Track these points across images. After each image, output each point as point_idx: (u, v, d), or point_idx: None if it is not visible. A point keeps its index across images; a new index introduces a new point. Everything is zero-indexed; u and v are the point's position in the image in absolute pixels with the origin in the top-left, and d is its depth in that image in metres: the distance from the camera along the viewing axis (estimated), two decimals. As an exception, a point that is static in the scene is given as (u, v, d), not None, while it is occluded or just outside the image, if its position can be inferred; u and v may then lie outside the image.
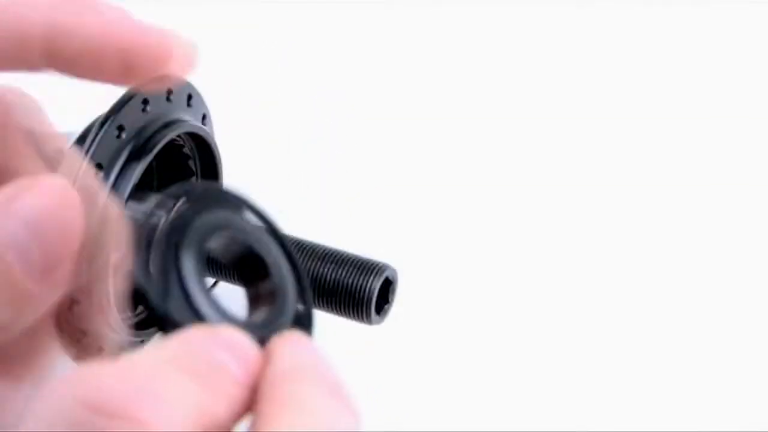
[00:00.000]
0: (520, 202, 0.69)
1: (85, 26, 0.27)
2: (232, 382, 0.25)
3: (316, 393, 0.25)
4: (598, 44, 0.83)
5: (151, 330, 0.53)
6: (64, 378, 0.23)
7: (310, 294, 0.31)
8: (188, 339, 0.25)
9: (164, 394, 0.23)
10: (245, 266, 0.30)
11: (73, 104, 0.69)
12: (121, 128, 0.47)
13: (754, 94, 0.78)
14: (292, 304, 0.30)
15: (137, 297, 0.53)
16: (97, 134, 0.46)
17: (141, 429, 0.22)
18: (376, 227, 0.64)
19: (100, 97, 0.49)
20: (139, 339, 0.53)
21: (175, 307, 0.27)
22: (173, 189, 0.29)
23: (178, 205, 0.29)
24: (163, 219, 0.29)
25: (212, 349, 0.25)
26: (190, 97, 0.52)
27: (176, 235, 0.28)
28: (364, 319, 0.51)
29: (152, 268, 0.27)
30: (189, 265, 0.28)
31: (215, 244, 0.29)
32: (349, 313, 0.49)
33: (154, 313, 0.27)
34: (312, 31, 0.84)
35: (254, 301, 0.30)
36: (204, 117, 0.54)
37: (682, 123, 0.76)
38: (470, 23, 0.85)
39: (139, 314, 0.54)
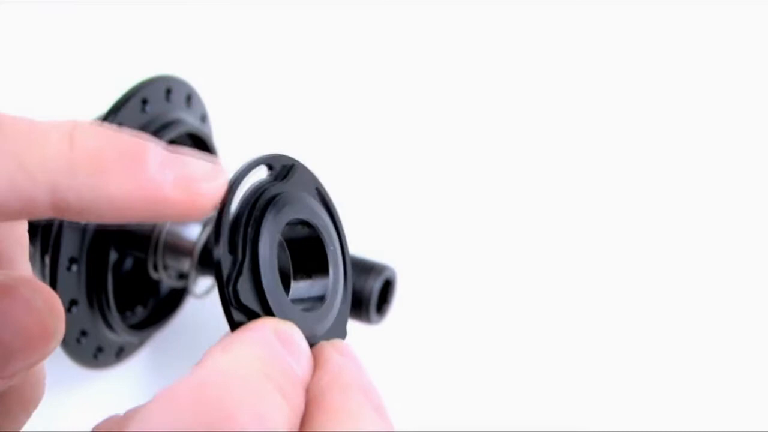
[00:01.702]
0: (520, 202, 0.69)
1: (98, 195, 0.26)
2: (302, 389, 0.26)
3: (364, 407, 0.26)
4: (598, 44, 0.83)
5: (150, 330, 0.53)
6: (183, 397, 0.23)
7: (350, 295, 0.31)
8: (267, 342, 0.26)
9: (272, 420, 0.24)
10: (306, 252, 0.30)
11: (73, 104, 0.69)
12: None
13: (754, 94, 0.78)
14: (338, 304, 0.30)
15: (136, 298, 0.53)
16: (96, 134, 0.45)
17: None
18: (376, 227, 0.64)
19: (99, 97, 0.49)
20: (138, 339, 0.53)
21: (243, 286, 0.27)
22: (260, 158, 0.29)
23: (264, 179, 0.29)
24: (247, 193, 0.28)
25: (285, 354, 0.26)
26: (189, 97, 0.52)
27: (258, 212, 0.28)
28: (364, 319, 0.51)
29: (228, 241, 0.27)
30: (266, 246, 0.28)
31: (289, 224, 0.29)
32: (350, 314, 0.49)
33: (220, 285, 0.27)
34: (312, 31, 0.84)
35: (303, 287, 0.30)
36: (203, 117, 0.54)
37: (682, 123, 0.76)
38: (470, 23, 0.85)
39: (138, 314, 0.54)
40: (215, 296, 0.55)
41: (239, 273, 0.27)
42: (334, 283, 0.30)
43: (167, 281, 0.53)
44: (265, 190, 0.28)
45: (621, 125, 0.76)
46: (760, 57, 0.81)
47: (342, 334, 0.30)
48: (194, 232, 0.50)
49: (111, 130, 0.26)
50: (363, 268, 0.50)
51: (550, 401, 0.54)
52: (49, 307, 0.30)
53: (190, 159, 0.27)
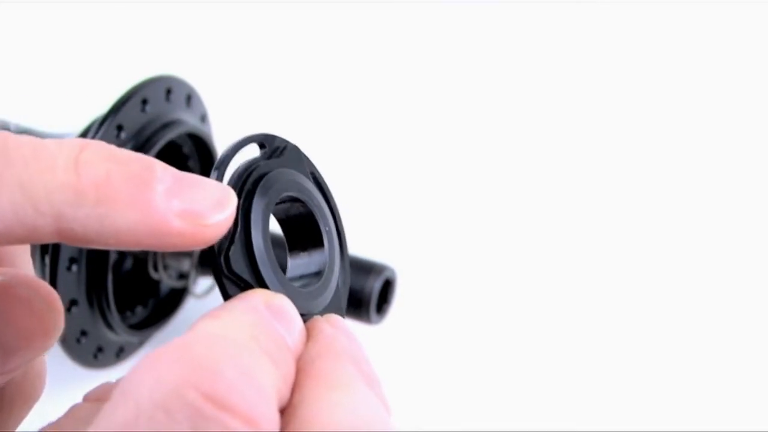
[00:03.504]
0: (519, 202, 0.69)
1: (103, 226, 0.25)
2: (292, 358, 0.26)
3: (354, 378, 0.26)
4: (598, 44, 0.83)
5: (150, 330, 0.53)
6: (165, 358, 0.23)
7: (349, 275, 0.31)
8: (256, 310, 0.26)
9: (260, 379, 0.24)
10: (300, 228, 0.30)
11: (73, 104, 0.69)
12: (120, 128, 0.46)
13: (754, 94, 0.78)
14: (335, 281, 0.30)
15: (136, 298, 0.53)
16: (96, 134, 0.45)
17: (253, 429, 0.23)
18: (376, 227, 0.64)
19: (99, 97, 0.49)
20: (138, 339, 0.53)
21: (235, 255, 0.27)
22: (253, 135, 0.29)
23: (256, 156, 0.29)
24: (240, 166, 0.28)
25: (275, 323, 0.26)
26: (189, 97, 0.52)
27: (251, 185, 0.28)
28: (364, 319, 0.51)
29: None
30: (257, 216, 0.28)
31: (281, 201, 0.30)
32: (349, 313, 0.49)
33: (212, 257, 0.27)
34: (312, 32, 0.84)
35: (299, 266, 0.30)
36: (203, 117, 0.54)
37: (682, 123, 0.76)
38: (469, 23, 0.85)
39: (138, 314, 0.54)
40: (215, 296, 0.55)
41: (231, 242, 0.27)
42: (330, 259, 0.30)
43: (167, 281, 0.53)
44: (256, 166, 0.29)
45: (621, 126, 0.76)
46: (760, 57, 0.81)
47: (340, 313, 0.30)
48: (194, 232, 0.50)
49: (118, 154, 0.25)
50: (363, 268, 0.50)
51: (551, 401, 0.54)
52: (48, 304, 0.30)
53: (199, 187, 0.26)
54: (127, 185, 0.25)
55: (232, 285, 0.27)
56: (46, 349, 0.30)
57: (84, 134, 0.46)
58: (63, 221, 0.25)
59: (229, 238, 0.27)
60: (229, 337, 0.24)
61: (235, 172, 0.28)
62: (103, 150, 0.25)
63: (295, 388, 0.25)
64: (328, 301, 0.30)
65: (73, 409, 0.27)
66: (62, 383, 0.45)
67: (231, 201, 0.26)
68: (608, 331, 0.59)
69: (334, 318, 0.28)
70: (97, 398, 0.26)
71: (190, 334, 0.24)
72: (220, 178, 0.28)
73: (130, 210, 0.25)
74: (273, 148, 0.30)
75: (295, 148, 0.30)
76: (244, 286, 0.27)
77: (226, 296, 0.27)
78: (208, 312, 0.26)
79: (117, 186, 0.25)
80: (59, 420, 0.26)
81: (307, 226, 0.30)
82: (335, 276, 0.30)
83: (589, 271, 0.63)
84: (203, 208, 0.26)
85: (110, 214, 0.25)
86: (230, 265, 0.27)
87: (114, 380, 0.27)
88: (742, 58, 0.81)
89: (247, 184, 0.28)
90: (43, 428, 0.26)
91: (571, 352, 0.57)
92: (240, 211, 0.27)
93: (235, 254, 0.27)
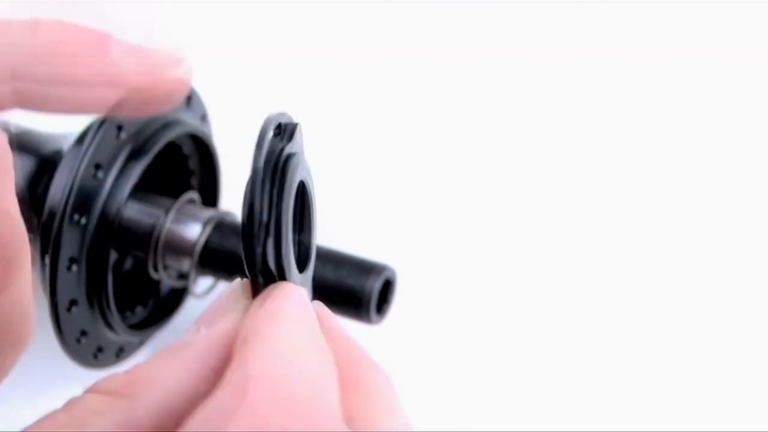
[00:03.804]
0: (519, 201, 0.69)
1: (59, 81, 0.25)
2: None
3: (393, 389, 0.27)
4: (597, 44, 0.83)
5: (150, 330, 0.53)
6: (252, 389, 0.23)
7: (313, 262, 0.32)
8: (309, 314, 0.26)
9: (332, 397, 0.24)
10: (299, 217, 0.30)
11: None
12: (120, 128, 0.46)
13: (754, 94, 0.78)
14: (311, 268, 0.31)
15: (136, 298, 0.53)
16: (96, 134, 0.45)
17: None
18: (376, 227, 0.64)
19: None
20: (139, 339, 0.53)
21: (269, 247, 0.27)
22: (281, 114, 0.29)
23: (274, 138, 0.29)
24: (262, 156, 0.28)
25: (317, 326, 0.26)
26: (189, 97, 0.52)
27: (280, 173, 0.28)
28: (364, 319, 0.51)
29: (260, 201, 0.27)
30: (287, 206, 0.28)
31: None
32: (349, 313, 0.49)
33: (247, 248, 0.27)
34: (313, 31, 0.84)
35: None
36: (203, 117, 0.54)
37: (682, 123, 0.76)
38: (469, 21, 0.85)
39: (138, 314, 0.54)
40: (215, 296, 0.55)
41: (267, 233, 0.27)
42: (315, 248, 0.31)
43: (167, 281, 0.53)
44: (280, 149, 0.28)
45: (621, 126, 0.76)
46: (760, 57, 0.81)
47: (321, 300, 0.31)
48: (194, 232, 0.50)
49: (74, 23, 0.26)
50: (363, 268, 0.50)
51: (551, 401, 0.54)
52: (10, 230, 0.29)
53: (153, 49, 0.27)
54: (83, 43, 0.26)
55: (263, 278, 0.27)
56: (10, 284, 0.29)
57: (84, 134, 0.46)
58: (19, 80, 0.25)
59: (265, 229, 0.27)
60: (299, 354, 0.24)
61: (266, 157, 0.28)
62: (59, 19, 0.26)
63: (343, 397, 0.25)
64: (311, 288, 0.30)
65: (73, 403, 0.26)
66: (62, 383, 0.45)
67: (183, 60, 0.27)
68: (609, 330, 0.59)
69: (320, 305, 0.29)
70: (112, 392, 0.26)
71: (270, 355, 0.24)
72: (259, 160, 0.27)
73: (87, 64, 0.25)
74: (286, 128, 0.29)
75: (301, 130, 0.30)
76: (270, 279, 0.27)
77: (257, 290, 0.27)
78: (261, 314, 0.26)
79: (74, 43, 0.25)
80: (55, 414, 0.26)
81: (304, 213, 0.30)
82: (312, 262, 0.31)
83: (590, 271, 0.63)
84: (159, 63, 0.26)
85: (67, 70, 0.25)
86: (266, 259, 0.27)
87: (122, 371, 0.27)
88: (742, 58, 0.81)
89: (277, 172, 0.28)
90: (38, 420, 0.26)
91: (572, 352, 0.57)
92: (275, 200, 0.27)
93: (270, 246, 0.27)
